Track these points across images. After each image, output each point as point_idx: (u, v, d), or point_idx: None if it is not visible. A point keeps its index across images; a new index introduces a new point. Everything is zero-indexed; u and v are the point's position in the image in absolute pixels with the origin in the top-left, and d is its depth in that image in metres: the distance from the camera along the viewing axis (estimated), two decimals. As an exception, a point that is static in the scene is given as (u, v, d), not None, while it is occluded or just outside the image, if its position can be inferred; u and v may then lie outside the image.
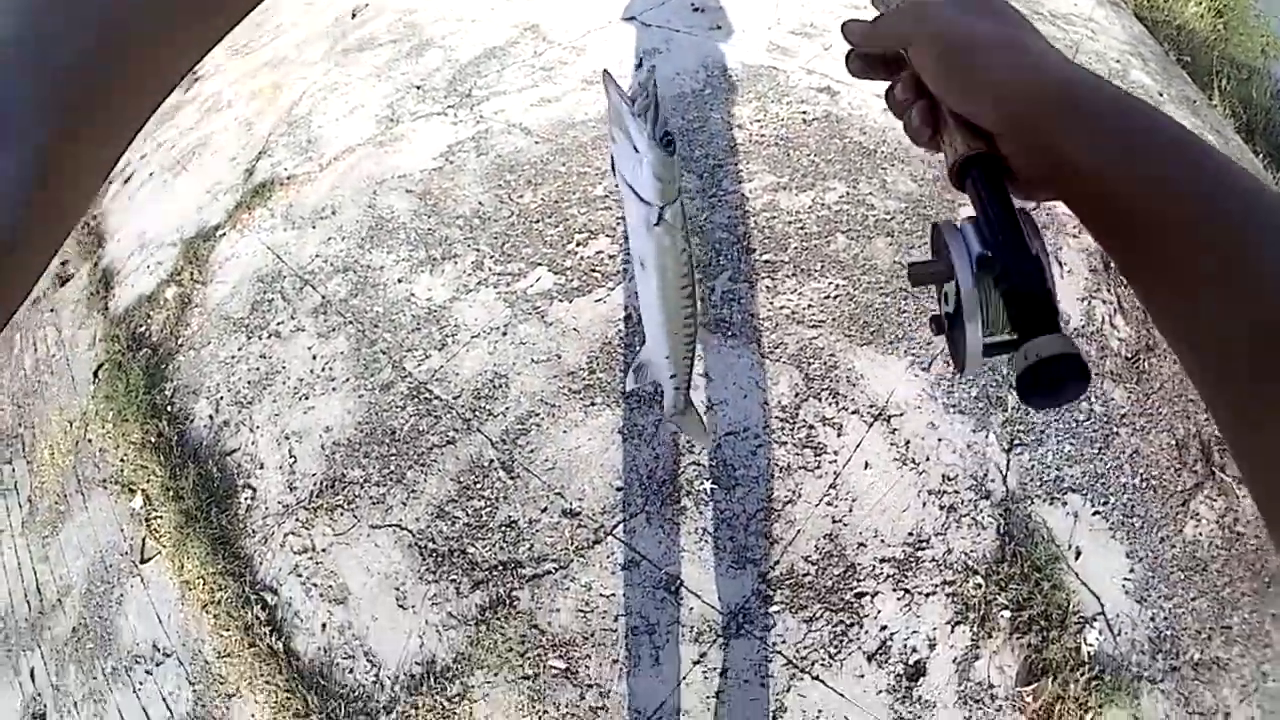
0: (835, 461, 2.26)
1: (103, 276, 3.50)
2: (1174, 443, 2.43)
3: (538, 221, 2.91)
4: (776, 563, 2.15)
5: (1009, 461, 2.32)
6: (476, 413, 2.52)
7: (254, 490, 2.60)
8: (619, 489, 2.30)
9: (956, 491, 2.25)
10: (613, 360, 2.49)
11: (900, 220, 2.71)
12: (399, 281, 2.91)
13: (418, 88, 3.55)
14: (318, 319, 2.91)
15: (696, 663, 2.08)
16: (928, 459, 2.29)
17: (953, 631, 2.07)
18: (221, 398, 2.84)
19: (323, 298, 2.95)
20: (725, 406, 2.37)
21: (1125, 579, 2.19)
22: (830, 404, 2.36)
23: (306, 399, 2.73)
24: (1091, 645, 2.11)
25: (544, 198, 2.96)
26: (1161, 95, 3.29)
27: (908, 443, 2.30)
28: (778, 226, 2.73)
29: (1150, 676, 2.06)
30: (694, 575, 2.17)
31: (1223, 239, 0.40)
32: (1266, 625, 2.18)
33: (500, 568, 2.27)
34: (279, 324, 2.94)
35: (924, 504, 2.22)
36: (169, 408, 2.88)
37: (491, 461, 2.42)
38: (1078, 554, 2.23)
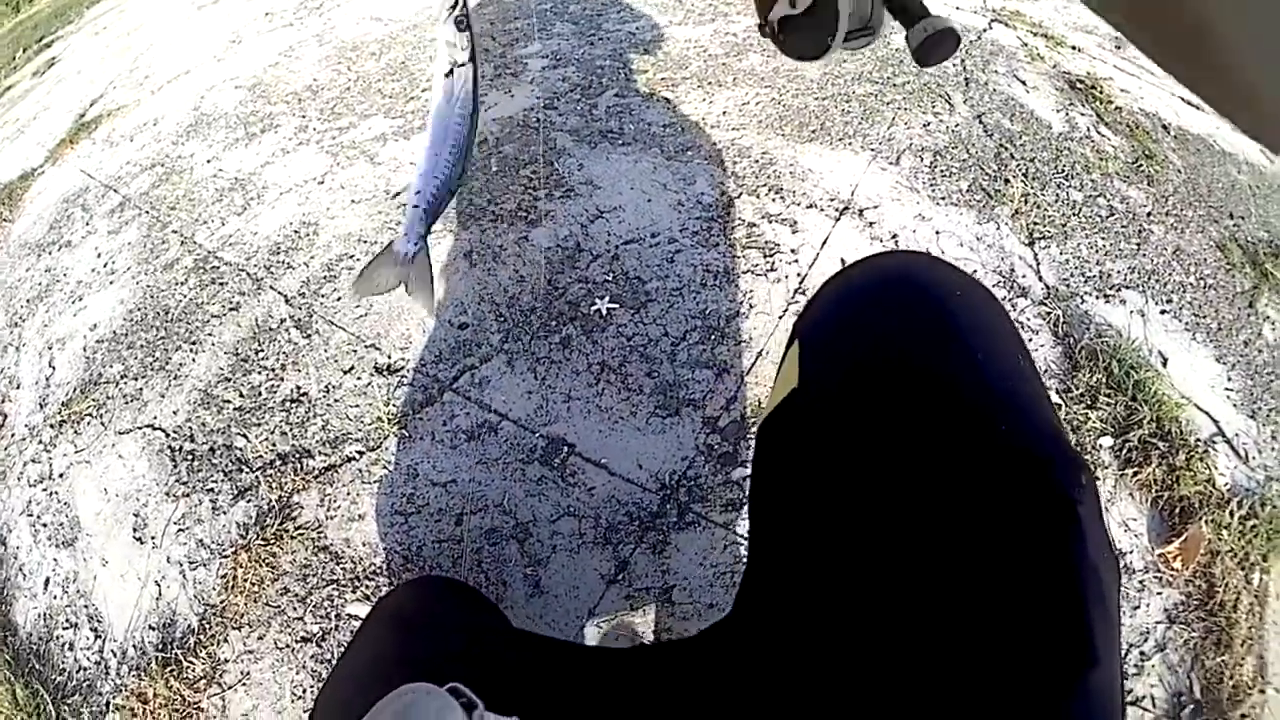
0: (796, 261, 1.36)
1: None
2: (1213, 244, 1.67)
3: (379, 80, 2.02)
4: (732, 399, 1.20)
5: (1037, 255, 1.47)
6: (271, 269, 1.52)
7: (4, 416, 1.62)
8: (462, 326, 1.33)
9: (978, 287, 1.38)
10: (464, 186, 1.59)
11: (827, 43, 1.99)
12: (208, 162, 1.94)
13: (267, 14, 2.73)
14: (112, 218, 1.94)
15: (613, 581, 1.08)
16: (928, 251, 1.42)
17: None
18: (-3, 325, 1.85)
19: (123, 197, 1.98)
20: (620, 213, 1.46)
21: (1226, 389, 1.36)
22: (773, 199, 1.49)
23: (80, 300, 1.74)
24: (1223, 473, 1.23)
25: (388, 63, 2.09)
26: None
27: (894, 235, 1.43)
28: (674, 51, 1.94)
29: (1300, 511, 1.20)
30: (592, 435, 1.18)
31: None
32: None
33: (278, 462, 1.23)
34: (72, 233, 1.98)
35: (936, 302, 1.34)
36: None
37: (283, 321, 1.41)
38: (1164, 360, 1.37)
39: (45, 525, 1.37)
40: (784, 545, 0.51)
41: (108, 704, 1.15)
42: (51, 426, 1.50)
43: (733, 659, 0.54)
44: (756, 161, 1.55)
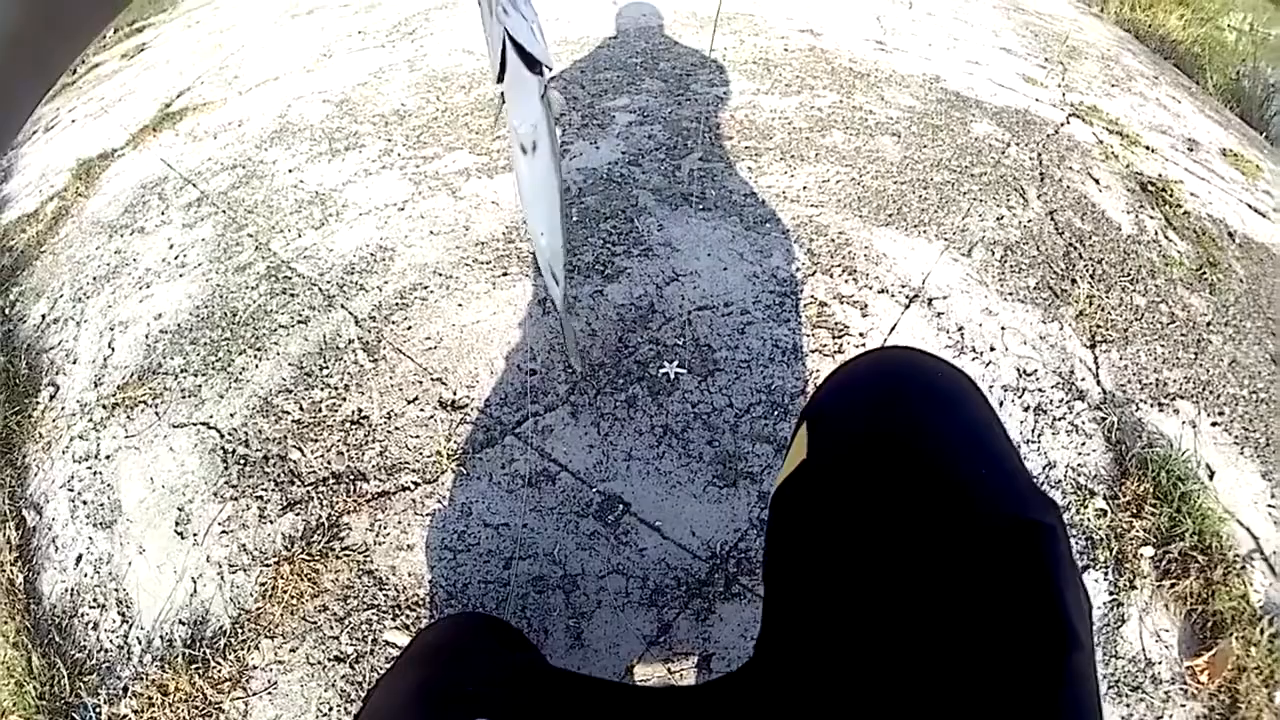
0: (864, 345, 1.38)
1: (-5, 207, 2.69)
2: (1268, 357, 1.65)
3: (466, 114, 2.09)
4: (783, 476, 1.22)
5: (1097, 359, 1.48)
6: (344, 288, 1.57)
7: (56, 388, 1.66)
8: (530, 373, 1.36)
9: (1040, 389, 1.38)
10: (538, 230, 1.64)
11: (907, 124, 2.01)
12: (290, 172, 2.01)
13: (360, 32, 2.84)
14: (188, 211, 2.00)
15: (654, 642, 1.09)
16: (992, 348, 1.43)
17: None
18: (61, 295, 1.91)
19: (201, 193, 2.05)
20: (696, 279, 1.50)
21: (1269, 505, 1.34)
22: (846, 280, 1.51)
23: (148, 288, 1.79)
24: (1258, 591, 1.22)
25: (477, 98, 2.17)
26: (1157, 79, 2.81)
27: (961, 329, 1.45)
28: (759, 120, 1.99)
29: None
30: (648, 496, 1.21)
31: None
32: None
33: (331, 481, 1.26)
34: (146, 220, 2.04)
35: (1000, 402, 1.34)
36: (6, 311, 1.98)
37: (350, 342, 1.45)
38: (1211, 473, 1.37)
39: (86, 503, 1.41)
40: (794, 595, 0.58)
41: (126, 689, 1.16)
42: (104, 407, 1.54)
43: (756, 699, 0.60)
44: (833, 241, 1.58)
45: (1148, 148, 2.23)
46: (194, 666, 1.15)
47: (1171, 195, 2.04)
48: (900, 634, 0.49)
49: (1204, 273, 1.82)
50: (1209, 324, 1.68)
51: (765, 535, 0.65)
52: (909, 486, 0.51)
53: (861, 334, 1.39)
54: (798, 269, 1.50)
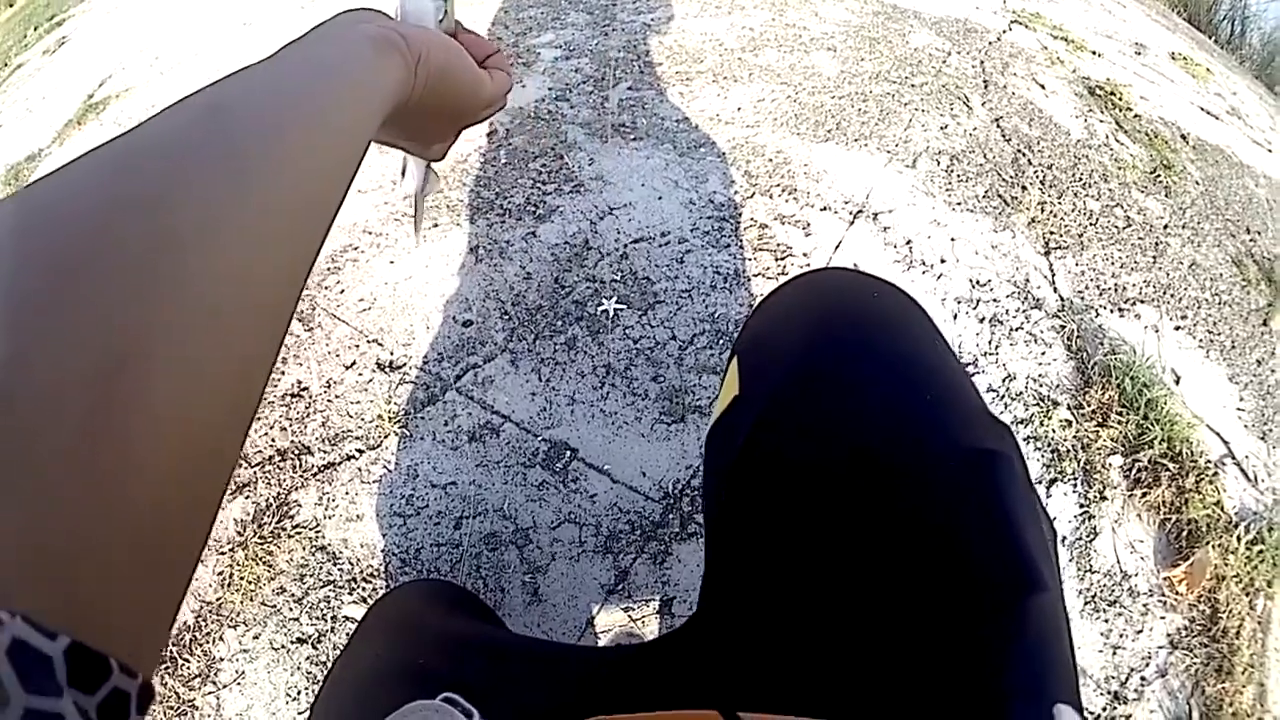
0: (808, 266, 1.32)
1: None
2: (1229, 259, 1.62)
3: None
4: (732, 406, 1.16)
5: (1052, 266, 1.42)
6: (263, 262, 1.49)
7: None
8: (466, 323, 1.28)
9: (995, 300, 1.33)
10: (470, 176, 1.53)
11: (843, 38, 1.92)
12: None
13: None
14: None
15: (612, 590, 1.04)
16: (942, 260, 1.37)
17: (1048, 496, 1.10)
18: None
19: None
20: (631, 210, 1.41)
21: (1238, 409, 1.32)
22: (787, 200, 1.44)
23: None
24: (1232, 497, 1.19)
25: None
26: (1096, -21, 2.73)
27: (909, 242, 1.39)
28: (689, 44, 1.88)
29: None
30: (595, 440, 1.14)
31: None
32: None
33: (276, 459, 1.18)
34: None
35: (954, 315, 1.29)
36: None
37: (275, 315, 1.38)
38: (1177, 378, 1.33)
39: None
40: (734, 540, 0.54)
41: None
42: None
43: (703, 653, 0.56)
44: (770, 161, 1.50)
45: (1094, 52, 2.16)
46: (164, 667, 1.08)
47: (1121, 99, 1.98)
48: (843, 579, 0.44)
49: (1158, 175, 1.77)
50: (1166, 227, 1.63)
51: (702, 477, 0.60)
52: (845, 421, 0.46)
53: (805, 254, 1.32)
54: (736, 192, 1.42)
